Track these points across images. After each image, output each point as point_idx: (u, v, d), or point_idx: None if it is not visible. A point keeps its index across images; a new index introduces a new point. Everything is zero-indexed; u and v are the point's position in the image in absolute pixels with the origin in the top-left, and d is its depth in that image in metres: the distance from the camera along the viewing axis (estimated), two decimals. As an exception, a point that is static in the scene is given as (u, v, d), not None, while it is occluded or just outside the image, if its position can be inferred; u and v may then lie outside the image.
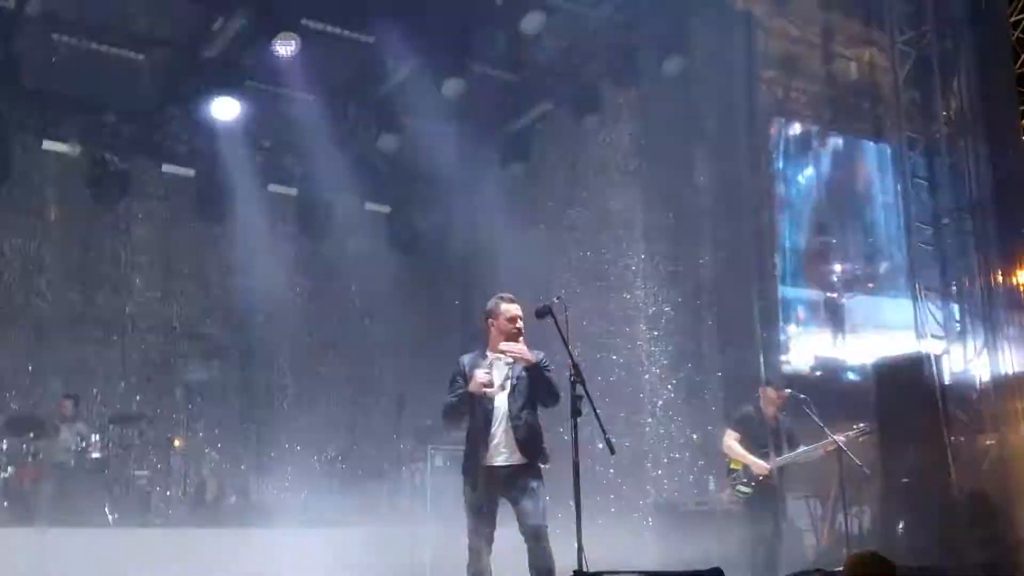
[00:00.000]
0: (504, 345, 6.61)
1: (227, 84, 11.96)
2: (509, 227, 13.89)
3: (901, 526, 10.55)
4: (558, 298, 6.61)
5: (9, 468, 10.58)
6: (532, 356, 6.58)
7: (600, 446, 6.38)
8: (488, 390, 6.53)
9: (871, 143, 14.84)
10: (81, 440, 11.01)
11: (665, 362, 12.60)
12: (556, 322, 6.42)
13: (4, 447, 10.87)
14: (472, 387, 6.53)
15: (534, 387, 6.63)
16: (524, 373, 6.62)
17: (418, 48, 12.17)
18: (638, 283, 12.85)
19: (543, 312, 6.53)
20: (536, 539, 6.41)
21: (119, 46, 11.96)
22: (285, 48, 11.12)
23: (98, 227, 13.08)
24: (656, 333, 12.73)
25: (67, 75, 11.81)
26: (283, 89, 12.69)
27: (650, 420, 12.33)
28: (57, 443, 11.02)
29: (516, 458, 6.58)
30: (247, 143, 13.24)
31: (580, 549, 5.95)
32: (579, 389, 6.23)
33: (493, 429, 6.61)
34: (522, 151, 13.86)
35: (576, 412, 6.17)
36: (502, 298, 6.80)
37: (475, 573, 6.51)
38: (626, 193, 12.85)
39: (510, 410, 6.61)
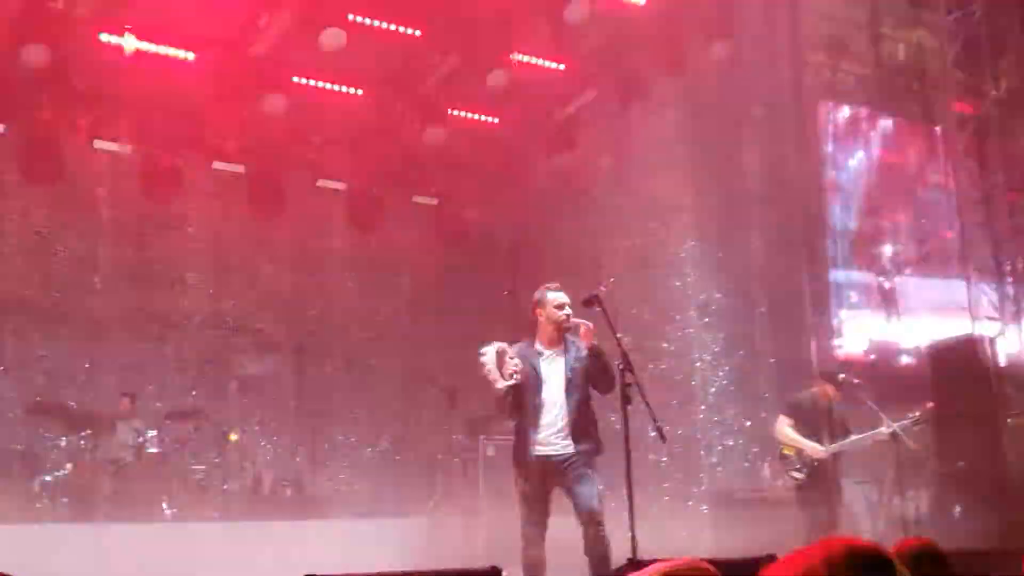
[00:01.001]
0: (577, 321, 6.66)
1: (275, 80, 12.03)
2: (556, 216, 13.91)
3: (958, 510, 10.46)
4: (605, 287, 6.64)
5: (68, 465, 10.73)
6: (591, 335, 6.63)
7: (652, 434, 6.38)
8: (516, 379, 6.57)
9: (920, 124, 14.67)
10: (138, 436, 11.16)
11: (716, 349, 12.55)
12: (604, 310, 6.44)
13: (63, 444, 11.06)
14: (504, 375, 6.58)
15: (589, 376, 6.66)
16: (578, 365, 6.65)
17: (463, 40, 12.21)
18: (687, 269, 12.79)
19: (591, 301, 6.57)
20: (592, 524, 6.45)
21: (167, 45, 12.07)
22: (332, 43, 11.17)
23: (151, 225, 13.22)
24: (706, 320, 12.68)
25: (116, 75, 11.94)
26: (330, 84, 12.77)
27: (702, 407, 12.29)
28: (114, 439, 11.19)
29: (569, 448, 6.62)
30: (296, 139, 13.37)
31: (633, 538, 5.97)
32: (628, 377, 6.25)
33: (545, 420, 6.65)
34: (568, 140, 13.82)
35: (626, 400, 6.20)
36: (548, 287, 6.86)
37: (529, 562, 6.56)
38: (673, 179, 12.78)
39: (567, 403, 6.65)
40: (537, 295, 6.91)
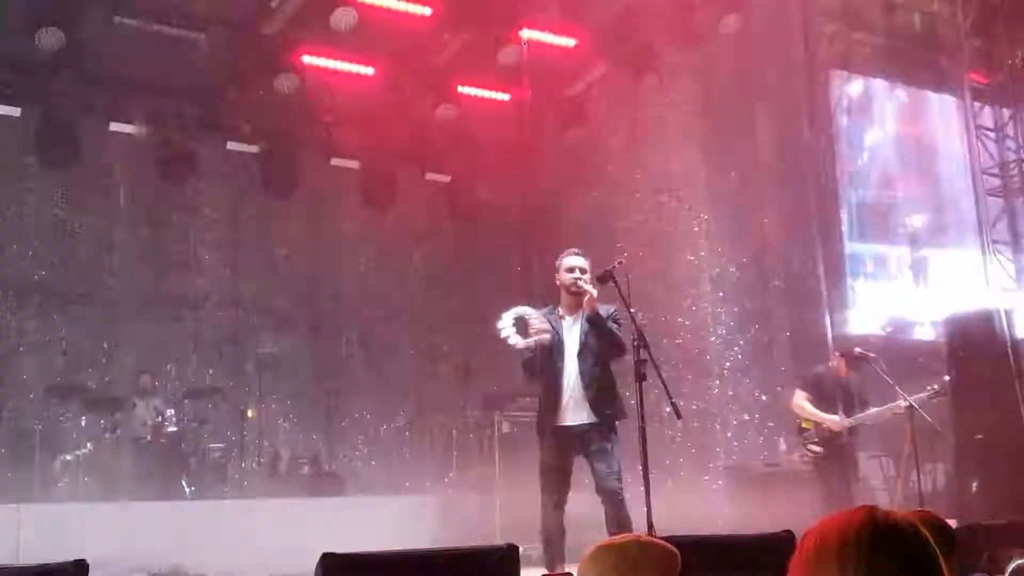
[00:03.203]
0: (583, 286, 6.66)
1: (287, 60, 12.04)
2: (569, 192, 13.90)
3: (976, 483, 10.45)
4: (620, 262, 6.63)
5: (88, 444, 10.82)
6: (593, 303, 6.62)
7: (668, 410, 6.40)
8: (544, 337, 6.59)
9: (935, 94, 14.57)
10: (157, 415, 11.23)
11: (731, 323, 12.54)
12: (618, 286, 6.45)
13: (83, 424, 11.15)
14: (529, 332, 6.61)
15: (600, 341, 6.68)
16: (591, 328, 6.67)
17: (473, 17, 12.18)
18: (702, 244, 12.77)
19: (605, 277, 6.57)
20: (612, 502, 6.47)
21: (180, 26, 12.09)
22: (343, 22, 11.17)
23: (166, 206, 13.26)
24: (721, 294, 12.66)
25: (130, 57, 11.96)
26: (342, 63, 12.77)
27: (717, 382, 12.29)
28: (134, 418, 11.28)
29: (589, 417, 6.64)
30: (308, 118, 13.39)
31: (649, 515, 5.99)
32: (643, 353, 6.25)
33: (564, 387, 6.68)
34: (580, 116, 13.79)
35: (641, 376, 6.20)
36: (567, 252, 6.88)
37: (549, 532, 6.59)
38: (687, 153, 12.75)
39: (580, 369, 6.67)
40: (556, 261, 6.95)
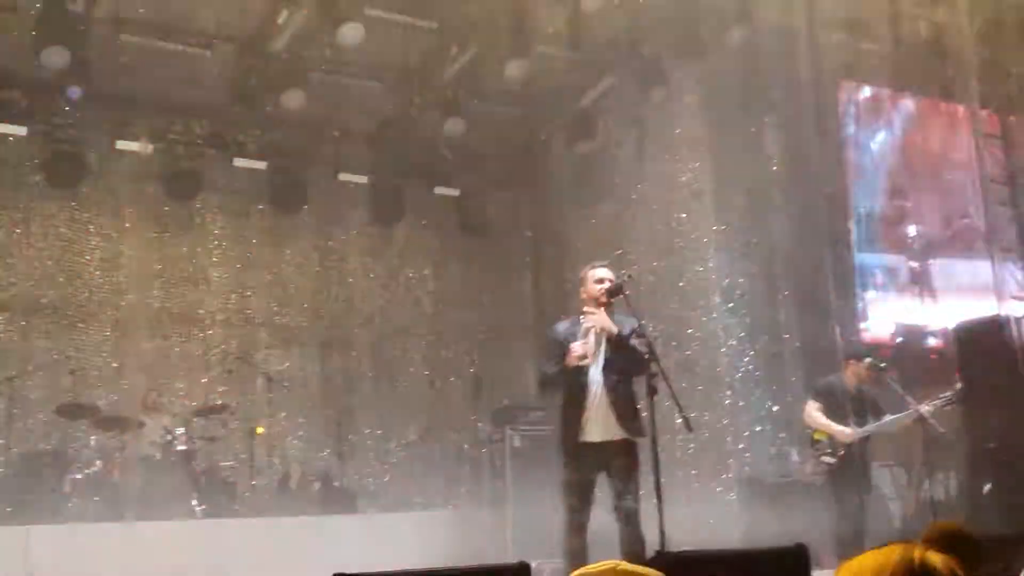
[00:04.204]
0: (587, 320, 6.61)
1: (294, 76, 12.05)
2: (578, 205, 13.89)
3: (987, 491, 10.38)
4: (629, 276, 6.62)
5: (98, 462, 10.80)
6: (612, 327, 6.56)
7: (679, 422, 6.36)
8: (585, 361, 6.54)
9: (943, 103, 14.53)
10: (166, 433, 11.21)
11: (742, 334, 12.47)
12: (627, 300, 6.42)
13: (92, 442, 11.13)
14: (569, 360, 6.55)
15: (624, 357, 6.61)
16: (614, 344, 6.61)
17: (480, 31, 12.19)
18: (711, 255, 12.72)
19: (615, 291, 6.54)
20: (627, 523, 6.42)
21: (186, 44, 12.13)
22: (350, 38, 11.18)
23: (174, 223, 13.29)
24: (731, 305, 12.60)
25: (137, 75, 12.00)
26: (349, 78, 12.79)
27: (728, 393, 12.22)
28: (143, 437, 11.25)
29: (613, 433, 6.58)
30: (316, 133, 13.40)
31: (662, 530, 5.94)
32: (654, 367, 6.21)
33: (588, 403, 6.61)
34: (588, 128, 13.78)
35: (652, 390, 6.16)
36: (593, 265, 6.83)
37: (573, 550, 6.52)
38: (695, 165, 12.73)
39: (606, 384, 6.60)
40: (581, 274, 6.90)
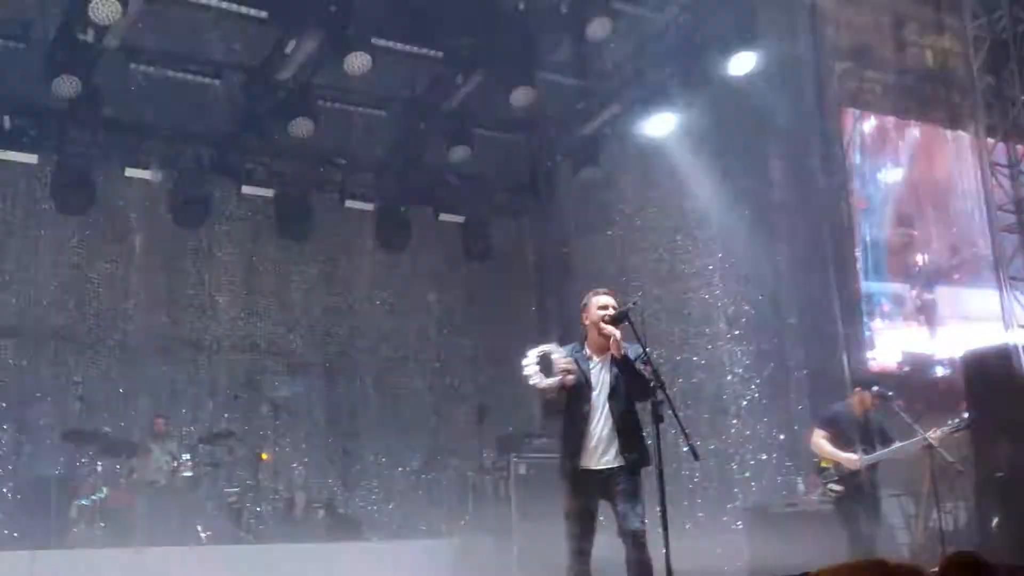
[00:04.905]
0: (606, 328, 6.53)
1: (301, 104, 12.12)
2: (583, 232, 13.91)
3: (996, 521, 10.32)
4: (635, 303, 6.58)
5: (104, 489, 10.80)
6: (621, 347, 6.51)
7: (685, 450, 6.32)
8: (568, 377, 6.49)
9: (948, 131, 14.55)
10: (172, 459, 11.21)
11: (747, 362, 12.46)
12: (633, 326, 6.38)
13: (99, 469, 11.13)
14: (556, 369, 6.49)
15: (630, 383, 6.55)
16: (621, 369, 6.55)
17: (485, 59, 12.26)
18: (716, 282, 12.73)
19: (620, 317, 6.50)
20: (634, 545, 6.34)
21: (195, 73, 12.22)
22: (356, 67, 11.24)
23: (182, 250, 13.33)
24: (737, 332, 12.60)
25: (146, 103, 12.08)
26: (355, 107, 12.86)
27: (734, 421, 12.20)
28: (149, 463, 11.24)
29: (616, 460, 6.51)
30: (323, 161, 13.46)
31: (667, 557, 5.90)
32: (659, 394, 6.18)
33: (592, 430, 6.55)
34: (593, 156, 13.82)
35: (658, 418, 6.12)
36: (595, 292, 6.79)
37: (577, 578, 6.47)
38: (700, 192, 12.75)
39: (611, 411, 6.55)
40: (583, 300, 6.85)
